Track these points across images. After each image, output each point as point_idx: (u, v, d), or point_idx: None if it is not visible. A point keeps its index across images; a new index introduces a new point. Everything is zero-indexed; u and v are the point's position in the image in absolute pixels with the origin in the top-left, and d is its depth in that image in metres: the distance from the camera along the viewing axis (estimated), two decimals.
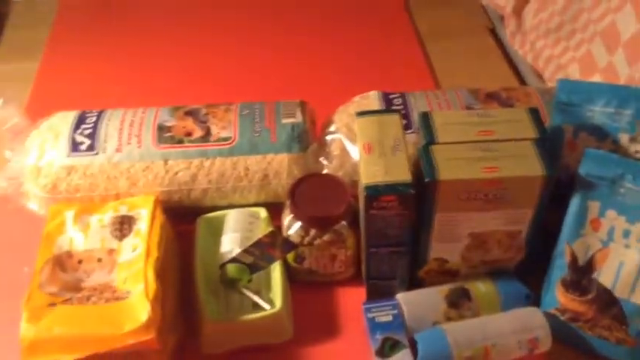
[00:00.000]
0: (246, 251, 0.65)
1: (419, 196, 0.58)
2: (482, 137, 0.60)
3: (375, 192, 0.57)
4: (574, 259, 0.61)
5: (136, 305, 0.56)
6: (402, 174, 0.58)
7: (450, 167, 0.58)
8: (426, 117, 0.62)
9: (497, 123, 0.62)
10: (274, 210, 0.72)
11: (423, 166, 0.58)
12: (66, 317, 0.56)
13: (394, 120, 0.63)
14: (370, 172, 0.58)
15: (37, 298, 0.57)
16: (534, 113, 0.63)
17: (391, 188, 0.57)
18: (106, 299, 0.58)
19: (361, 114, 0.64)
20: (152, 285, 0.58)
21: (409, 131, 0.71)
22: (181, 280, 0.68)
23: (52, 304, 0.57)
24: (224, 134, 0.72)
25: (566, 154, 0.66)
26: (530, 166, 0.58)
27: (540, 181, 0.58)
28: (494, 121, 0.62)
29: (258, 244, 0.65)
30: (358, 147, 0.61)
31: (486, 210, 0.60)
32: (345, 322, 0.68)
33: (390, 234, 0.61)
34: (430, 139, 0.60)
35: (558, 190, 0.60)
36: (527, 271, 0.67)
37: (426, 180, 0.57)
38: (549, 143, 0.62)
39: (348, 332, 0.67)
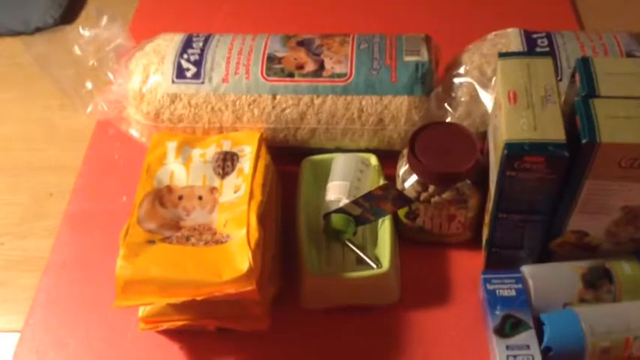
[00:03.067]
0: (355, 202, 0.59)
1: (570, 160, 0.48)
2: None
3: (519, 150, 0.48)
4: None
5: (237, 252, 0.52)
6: (555, 131, 0.48)
7: (613, 127, 0.48)
8: (586, 63, 0.52)
9: None
10: (386, 158, 0.65)
11: (580, 123, 0.48)
12: (164, 257, 0.52)
13: (546, 65, 0.53)
14: (515, 125, 0.49)
15: (136, 233, 0.54)
16: None
17: (539, 148, 0.48)
18: (206, 241, 0.54)
19: (505, 55, 0.54)
20: (254, 232, 0.53)
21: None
22: (282, 226, 0.63)
23: (151, 242, 0.54)
24: (338, 70, 0.64)
25: None
26: None
27: None
28: None
29: (368, 196, 0.58)
30: (500, 95, 0.52)
31: None
32: (458, 289, 0.61)
33: (527, 200, 0.52)
34: (590, 91, 0.50)
35: None
36: None
37: (584, 141, 0.47)
38: None
39: (461, 302, 0.60)
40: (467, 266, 0.62)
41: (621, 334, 0.52)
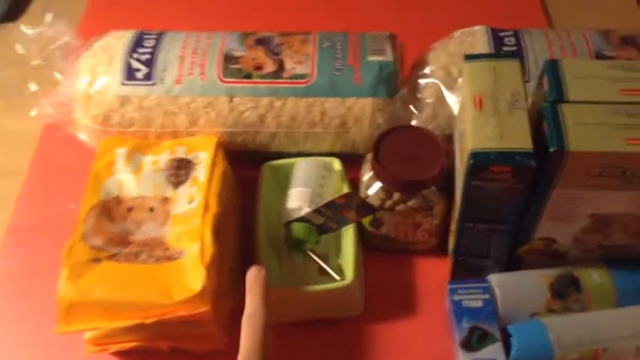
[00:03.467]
0: (317, 211, 0.56)
1: (537, 168, 0.46)
2: (628, 98, 0.47)
3: (484, 160, 0.46)
4: None
5: (190, 270, 0.49)
6: (521, 139, 0.46)
7: (582, 134, 0.46)
8: (554, 66, 0.49)
9: None
10: (350, 162, 0.62)
11: (548, 130, 0.46)
12: (110, 276, 0.49)
13: (513, 68, 0.50)
14: (481, 133, 0.46)
15: (80, 252, 0.50)
16: None
17: (506, 157, 0.45)
18: (157, 258, 0.51)
19: (471, 57, 0.52)
20: (209, 247, 0.50)
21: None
22: (242, 235, 0.60)
23: (96, 260, 0.50)
24: (300, 70, 0.61)
25: None
26: None
27: None
28: None
29: (331, 204, 0.55)
30: (466, 100, 0.49)
31: (620, 189, 0.48)
32: (425, 299, 0.58)
33: (494, 209, 0.50)
34: (559, 96, 0.48)
35: None
36: None
37: (552, 150, 0.45)
38: None
39: (428, 311, 0.58)
40: (433, 274, 0.60)
41: (590, 345, 0.51)
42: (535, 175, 0.47)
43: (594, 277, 0.55)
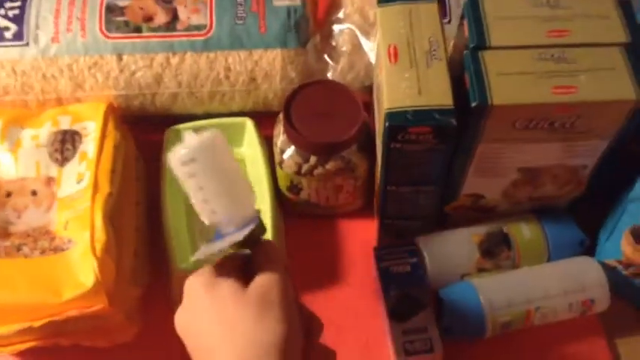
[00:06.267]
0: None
1: (460, 123, 0.42)
2: (554, 40, 0.43)
3: (402, 120, 0.41)
4: None
5: (80, 262, 0.43)
6: (441, 95, 0.41)
7: (507, 85, 0.41)
8: (474, 6, 0.44)
9: (574, 18, 0.44)
10: (266, 119, 0.56)
11: (469, 82, 0.41)
12: None
13: (430, 11, 0.45)
14: (397, 90, 0.41)
15: None
16: (625, 5, 0.45)
17: (425, 116, 0.41)
18: (42, 250, 0.44)
19: (385, 0, 0.46)
20: (101, 234, 0.44)
21: (444, 20, 0.53)
22: (147, 211, 0.54)
23: None
24: (196, 20, 0.54)
25: None
26: (620, 86, 0.41)
27: (631, 107, 0.42)
28: (570, 15, 0.44)
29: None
30: (379, 51, 0.44)
31: (548, 141, 0.44)
32: (351, 266, 0.55)
33: (416, 171, 0.46)
34: (480, 42, 0.43)
35: None
36: (582, 209, 0.53)
37: (474, 104, 0.41)
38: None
39: (356, 279, 0.54)
40: (361, 237, 0.56)
41: (522, 306, 0.48)
42: (458, 131, 0.42)
43: (525, 232, 0.52)
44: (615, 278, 0.50)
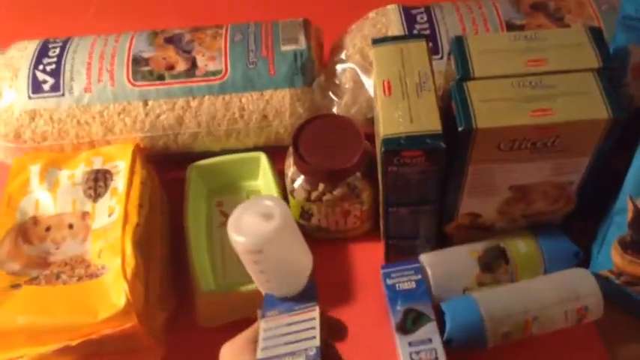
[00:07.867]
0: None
1: (450, 147, 0.46)
2: (532, 69, 0.48)
3: (396, 145, 0.45)
4: (638, 216, 0.50)
5: (113, 286, 0.48)
6: (430, 122, 0.46)
7: (490, 111, 0.46)
8: (460, 43, 0.49)
9: (550, 49, 0.49)
10: (278, 153, 0.61)
11: (455, 109, 0.46)
12: (31, 302, 0.47)
13: (419, 48, 0.50)
14: (391, 119, 0.46)
15: None
16: (596, 34, 0.50)
17: (416, 141, 0.45)
18: (79, 277, 0.49)
19: (378, 42, 0.51)
20: (131, 260, 0.49)
21: (436, 57, 0.59)
22: (171, 241, 0.59)
23: (16, 286, 0.48)
24: (213, 67, 0.60)
25: (630, 83, 0.53)
26: (593, 106, 0.46)
27: (604, 126, 0.46)
28: (546, 46, 0.49)
29: None
30: (375, 87, 0.49)
31: (532, 160, 0.48)
32: (361, 285, 0.59)
33: (414, 191, 0.50)
34: (465, 74, 0.48)
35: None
36: (575, 224, 0.57)
37: (460, 128, 0.45)
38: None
39: (366, 296, 0.58)
40: (369, 257, 0.60)
41: (520, 316, 0.52)
42: (448, 154, 0.47)
43: (521, 247, 0.55)
44: (609, 288, 0.53)
